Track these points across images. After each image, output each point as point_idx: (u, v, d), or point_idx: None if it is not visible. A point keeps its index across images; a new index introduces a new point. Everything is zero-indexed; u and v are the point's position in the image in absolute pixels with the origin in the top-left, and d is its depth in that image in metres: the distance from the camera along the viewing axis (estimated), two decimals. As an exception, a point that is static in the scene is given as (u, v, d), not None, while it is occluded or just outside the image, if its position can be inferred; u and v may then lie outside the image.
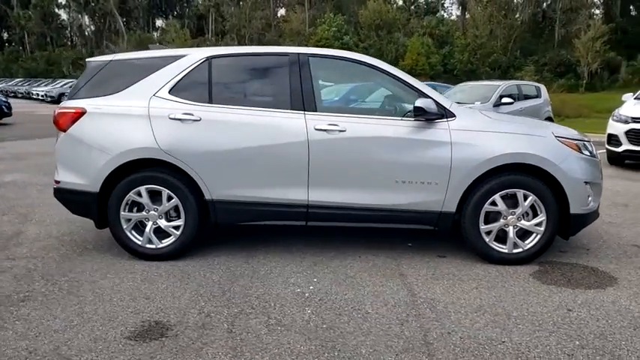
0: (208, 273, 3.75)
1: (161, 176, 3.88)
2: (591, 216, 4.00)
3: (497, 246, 3.90)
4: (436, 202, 3.85)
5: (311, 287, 3.50)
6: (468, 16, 49.90)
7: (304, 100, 3.86)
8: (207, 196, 3.89)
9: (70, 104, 3.97)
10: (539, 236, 3.87)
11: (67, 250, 4.22)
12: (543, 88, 12.17)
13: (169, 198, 3.89)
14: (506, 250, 3.90)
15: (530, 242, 3.89)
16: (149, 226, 3.94)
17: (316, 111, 3.86)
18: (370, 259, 4.04)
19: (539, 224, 3.85)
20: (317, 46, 38.58)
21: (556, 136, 3.90)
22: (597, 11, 47.74)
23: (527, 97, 11.54)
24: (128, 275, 3.69)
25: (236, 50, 4.16)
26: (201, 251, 4.13)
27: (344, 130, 3.79)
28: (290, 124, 3.82)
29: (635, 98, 8.99)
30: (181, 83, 3.92)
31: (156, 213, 3.92)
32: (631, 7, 45.74)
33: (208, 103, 3.90)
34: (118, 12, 58.47)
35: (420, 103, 3.70)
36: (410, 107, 3.86)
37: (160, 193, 3.90)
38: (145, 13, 63.81)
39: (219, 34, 57.56)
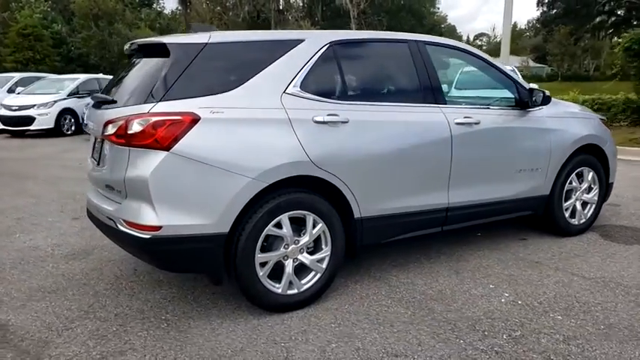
0: (384, 301, 3.06)
1: (307, 197, 2.95)
2: (612, 183, 4.79)
3: (571, 220, 4.31)
4: (539, 187, 4.01)
5: (506, 294, 3.23)
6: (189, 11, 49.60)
7: (434, 92, 3.47)
8: (356, 215, 3.14)
9: (170, 108, 2.61)
10: (594, 206, 4.44)
11: (157, 326, 2.80)
12: None
13: (314, 224, 3.00)
14: (576, 222, 4.34)
15: (588, 212, 4.43)
16: (289, 265, 2.96)
17: (446, 104, 3.52)
18: (480, 254, 3.93)
19: (594, 196, 4.42)
20: (23, 35, 32.64)
21: (600, 118, 4.52)
22: (302, 14, 53.52)
23: None
24: (310, 336, 2.71)
25: (358, 35, 3.40)
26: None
27: (478, 123, 3.58)
28: (433, 120, 3.40)
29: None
30: (310, 76, 3.02)
31: (296, 246, 2.97)
32: (329, 13, 52.90)
33: (345, 100, 3.13)
34: None
35: (541, 92, 3.79)
36: (509, 96, 3.90)
37: (299, 220, 2.96)
38: None
39: None
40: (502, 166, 3.76)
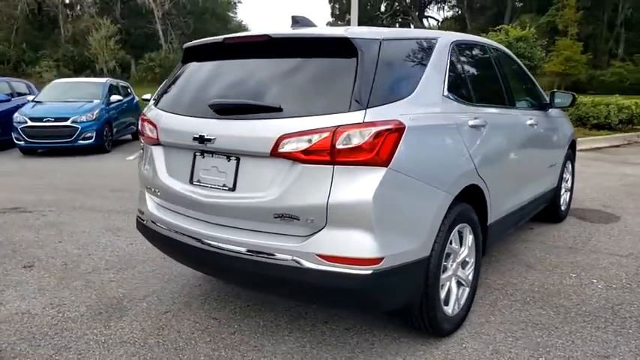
0: (515, 306, 3.02)
1: (467, 208, 2.74)
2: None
3: (561, 207, 4.84)
4: (555, 180, 4.42)
5: (594, 281, 3.47)
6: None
7: (513, 96, 3.57)
8: (489, 221, 3.04)
9: (380, 116, 2.13)
10: (569, 193, 5.07)
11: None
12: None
13: (468, 236, 2.81)
14: (563, 209, 4.90)
15: (567, 199, 5.03)
16: (454, 283, 2.73)
17: (515, 106, 3.63)
18: (520, 246, 4.15)
19: (570, 184, 5.05)
20: None
21: (566, 116, 5.14)
22: (93, 10, 48.26)
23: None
24: (508, 355, 2.53)
25: (467, 37, 3.22)
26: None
27: (536, 124, 3.77)
28: (521, 122, 3.51)
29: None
30: (450, 78, 2.78)
31: (457, 262, 2.75)
32: (127, 11, 48.56)
33: (475, 103, 2.98)
34: None
35: (570, 95, 4.15)
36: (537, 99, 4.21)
37: (459, 233, 2.75)
38: None
39: None
40: (543, 162, 4.05)
